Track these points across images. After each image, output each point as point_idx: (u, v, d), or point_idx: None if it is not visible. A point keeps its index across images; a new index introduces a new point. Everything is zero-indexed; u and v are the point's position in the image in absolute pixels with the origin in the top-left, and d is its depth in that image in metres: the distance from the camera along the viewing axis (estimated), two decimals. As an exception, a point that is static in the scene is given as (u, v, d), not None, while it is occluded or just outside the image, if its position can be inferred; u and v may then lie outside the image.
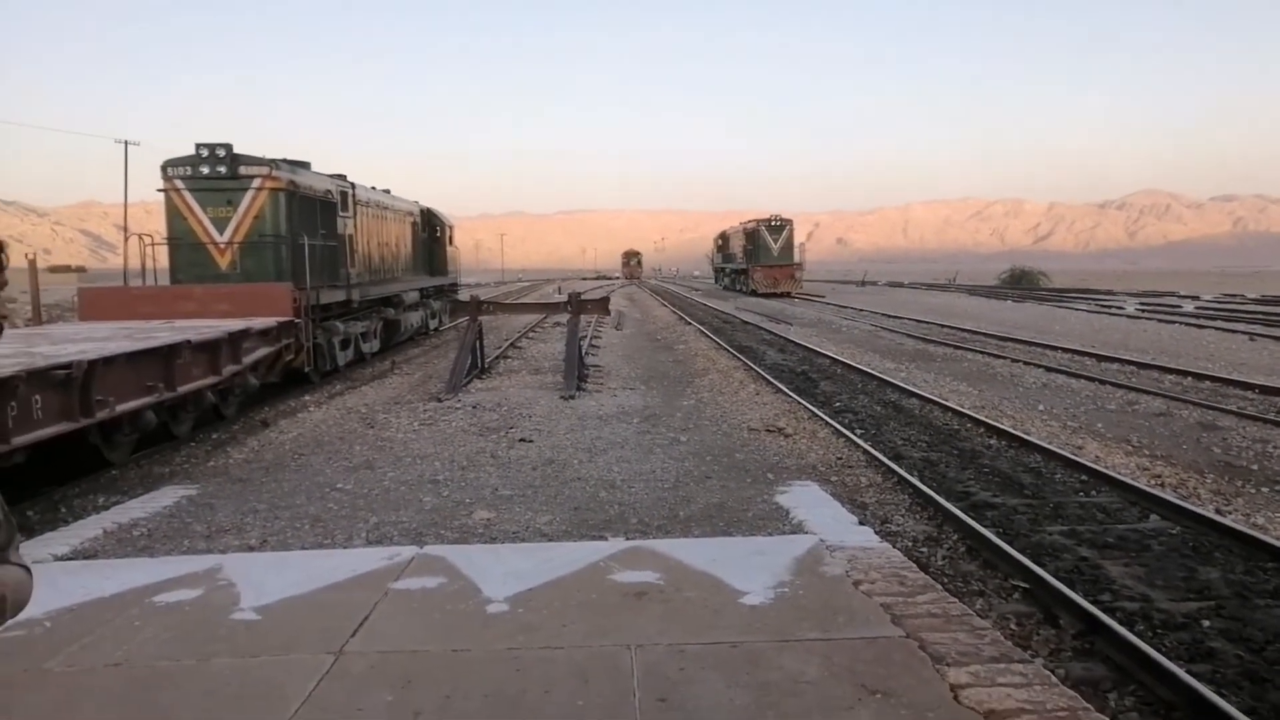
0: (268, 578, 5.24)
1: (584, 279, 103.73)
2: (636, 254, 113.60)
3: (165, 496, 7.75)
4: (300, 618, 4.61)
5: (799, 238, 53.87)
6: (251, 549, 6.26)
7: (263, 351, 12.25)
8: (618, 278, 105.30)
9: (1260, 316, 30.76)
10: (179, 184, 14.11)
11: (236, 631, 4.41)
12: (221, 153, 14.00)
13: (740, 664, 3.94)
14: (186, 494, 7.84)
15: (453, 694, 3.68)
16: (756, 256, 50.96)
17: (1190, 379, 14.71)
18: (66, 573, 5.39)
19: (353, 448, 9.79)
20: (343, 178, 17.95)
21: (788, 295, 47.74)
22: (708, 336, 23.46)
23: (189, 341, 9.72)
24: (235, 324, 11.59)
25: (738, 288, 54.81)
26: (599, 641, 4.23)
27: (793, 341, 21.85)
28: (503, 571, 5.31)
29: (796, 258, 51.42)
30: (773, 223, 51.50)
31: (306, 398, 13.86)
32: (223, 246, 14.09)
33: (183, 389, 9.64)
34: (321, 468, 8.87)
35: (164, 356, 9.26)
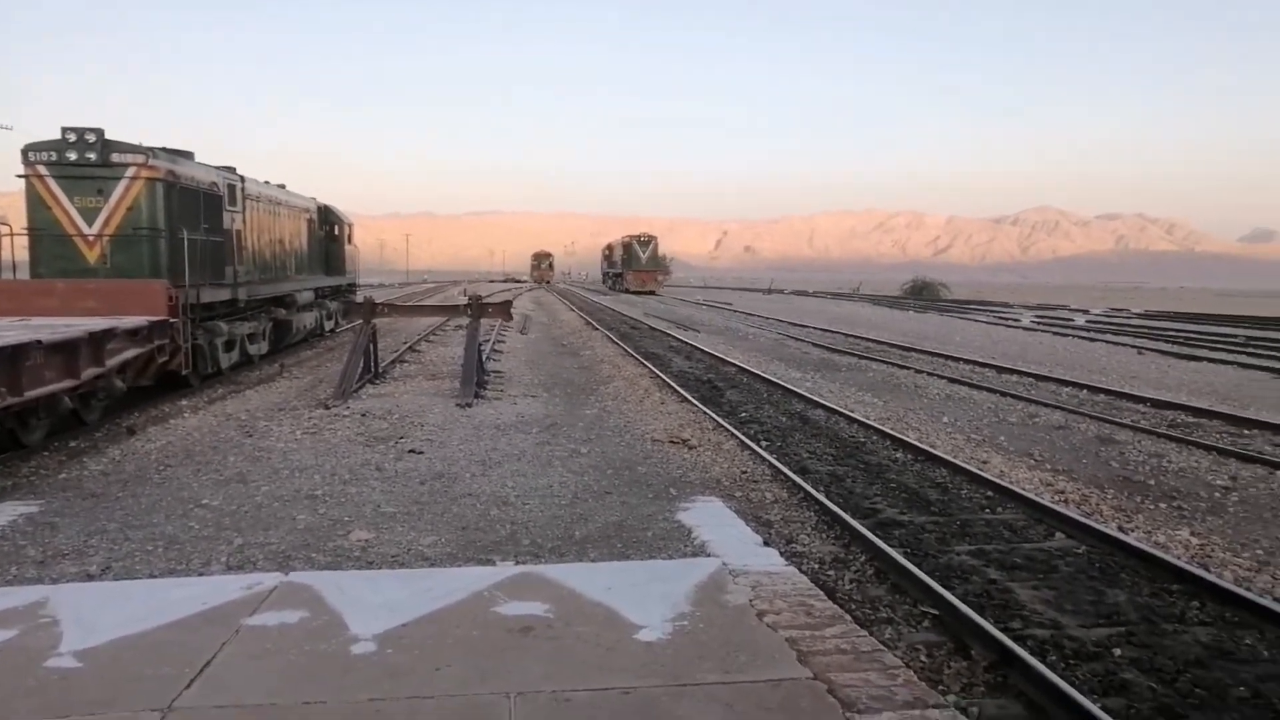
0: (101, 613, 4.59)
1: (491, 281, 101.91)
2: (548, 255, 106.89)
3: (0, 514, 6.93)
4: (130, 663, 4.01)
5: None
6: (90, 577, 5.56)
7: (131, 353, 11.29)
8: (526, 281, 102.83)
9: (1145, 330, 32.06)
10: (42, 170, 12.98)
11: (47, 684, 3.78)
12: (91, 138, 12.94)
13: (631, 715, 3.53)
14: (26, 511, 7.03)
15: (295, 762, 3.16)
16: (630, 263, 65.41)
17: (1086, 391, 14.98)
18: None
19: (226, 458, 9.05)
20: (232, 170, 16.94)
21: (653, 293, 62.01)
22: (615, 343, 23.08)
23: (39, 341, 8.80)
24: (98, 323, 10.64)
25: (617, 288, 68.86)
26: (475, 689, 3.76)
27: (699, 349, 21.64)
28: (375, 602, 4.79)
29: (661, 265, 67.82)
30: (641, 238, 66.75)
31: (183, 403, 12.92)
32: (91, 239, 13.01)
33: (31, 394, 8.72)
34: (188, 481, 8.12)
35: (8, 358, 8.34)
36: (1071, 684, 4.35)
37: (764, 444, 10.15)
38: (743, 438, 10.22)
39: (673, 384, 14.72)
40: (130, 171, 13.13)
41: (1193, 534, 7.20)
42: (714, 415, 11.72)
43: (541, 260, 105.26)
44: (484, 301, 15.99)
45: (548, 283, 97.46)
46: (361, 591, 4.99)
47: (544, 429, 10.77)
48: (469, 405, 12.37)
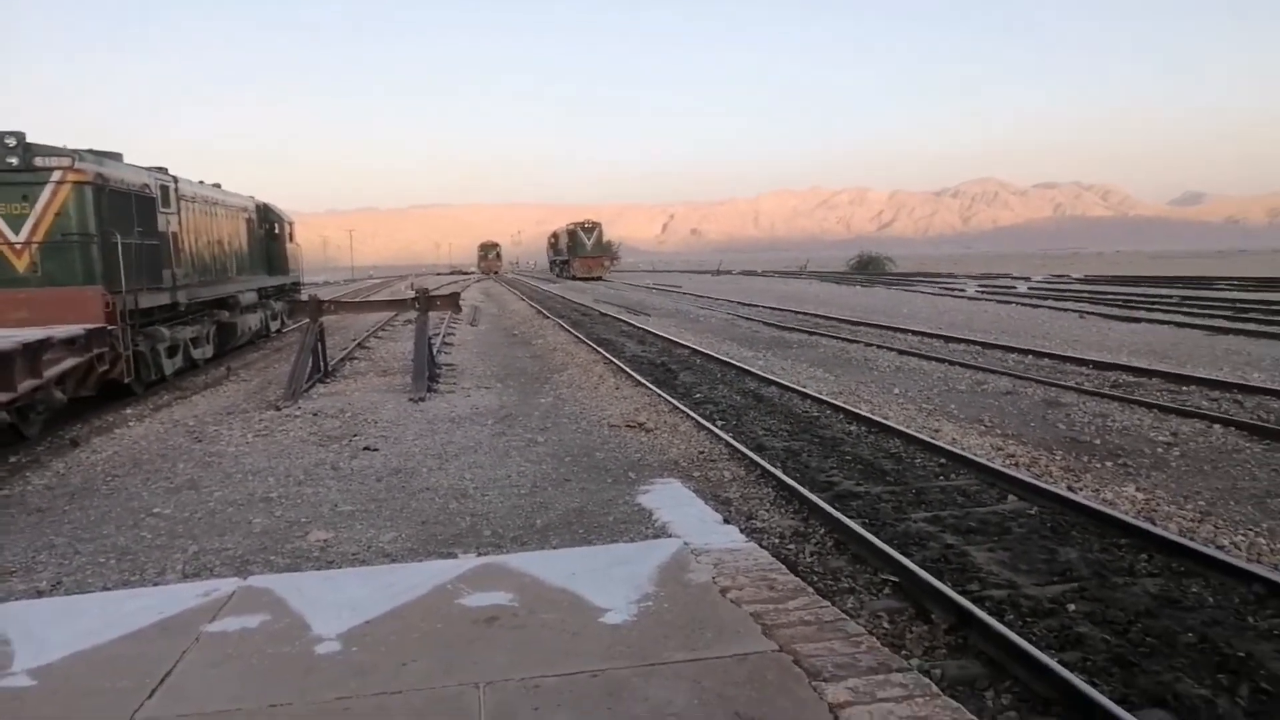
0: (53, 630, 4.48)
1: (439, 274, 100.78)
2: (494, 245, 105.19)
3: (-59, 535, 6.72)
4: (87, 678, 3.91)
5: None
6: (40, 594, 5.43)
7: (70, 363, 10.99)
8: (474, 272, 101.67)
9: (1086, 295, 32.80)
10: (-37, 177, 12.52)
11: (1, 704, 3.68)
12: (12, 141, 12.48)
13: (601, 697, 3.54)
14: (-32, 531, 6.83)
15: (264, 766, 3.12)
16: (575, 250, 66.97)
17: (1031, 357, 15.31)
18: None
19: (176, 465, 8.87)
20: (164, 170, 16.53)
21: (600, 279, 63.47)
22: (566, 330, 23.02)
23: (-29, 355, 8.54)
24: (32, 333, 10.33)
25: (564, 275, 70.27)
26: (443, 681, 3.74)
27: (651, 333, 21.67)
28: (337, 602, 4.73)
29: (607, 250, 69.94)
30: (586, 224, 68.40)
31: (127, 411, 12.62)
32: (19, 247, 12.58)
33: (-34, 409, 8.46)
34: (138, 490, 7.95)
35: (-61, 373, 8.07)
36: (1029, 641, 4.46)
37: (720, 423, 10.22)
38: (698, 418, 10.27)
39: (626, 369, 14.74)
40: (56, 175, 12.70)
41: (1138, 489, 7.41)
42: (669, 398, 11.76)
43: (488, 250, 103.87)
44: (431, 294, 15.83)
45: (495, 273, 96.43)
46: (322, 592, 4.92)
47: (499, 420, 10.72)
48: (422, 399, 12.26)
